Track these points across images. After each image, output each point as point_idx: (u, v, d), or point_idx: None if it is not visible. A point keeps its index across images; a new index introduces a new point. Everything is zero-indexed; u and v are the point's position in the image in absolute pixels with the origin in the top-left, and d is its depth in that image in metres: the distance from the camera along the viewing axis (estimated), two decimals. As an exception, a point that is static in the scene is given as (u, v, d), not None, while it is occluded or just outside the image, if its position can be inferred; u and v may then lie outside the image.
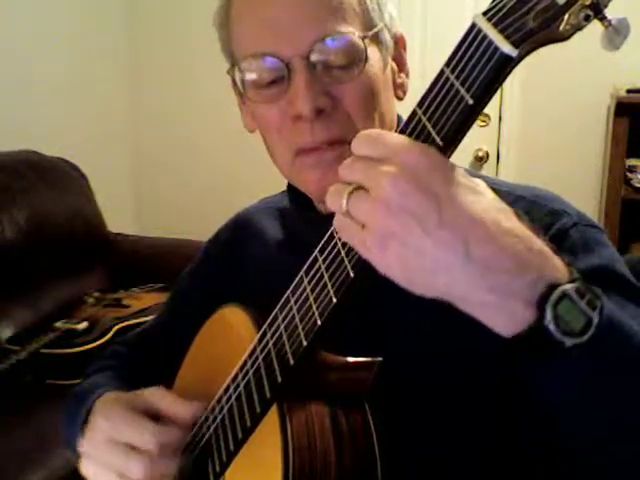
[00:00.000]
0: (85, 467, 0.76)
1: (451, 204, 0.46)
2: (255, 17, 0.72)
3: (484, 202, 0.48)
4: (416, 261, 0.47)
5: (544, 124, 2.74)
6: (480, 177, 0.78)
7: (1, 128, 2.45)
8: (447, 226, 0.46)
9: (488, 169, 2.81)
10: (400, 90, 0.80)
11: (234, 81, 0.82)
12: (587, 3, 0.43)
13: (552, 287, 0.47)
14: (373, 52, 0.73)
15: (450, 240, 0.46)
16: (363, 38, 0.71)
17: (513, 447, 0.68)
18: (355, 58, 0.71)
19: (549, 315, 0.46)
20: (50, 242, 2.31)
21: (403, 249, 0.47)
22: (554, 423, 0.55)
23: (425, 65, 2.44)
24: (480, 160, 2.80)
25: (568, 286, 0.47)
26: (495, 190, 0.74)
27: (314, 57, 0.69)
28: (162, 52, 3.14)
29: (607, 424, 0.52)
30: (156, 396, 0.76)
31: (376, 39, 0.74)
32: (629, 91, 2.46)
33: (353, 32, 0.71)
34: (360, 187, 0.49)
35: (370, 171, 0.48)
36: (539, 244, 0.48)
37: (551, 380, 0.51)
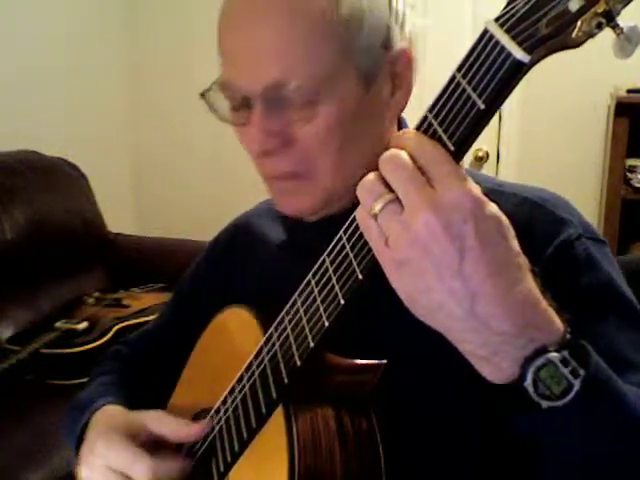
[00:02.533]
0: None
1: (473, 259, 0.46)
2: (222, 45, 0.72)
3: (506, 257, 0.48)
4: (422, 295, 0.49)
5: (544, 124, 2.74)
6: (481, 177, 0.79)
7: (1, 128, 2.45)
8: (461, 279, 0.47)
9: (488, 169, 2.81)
10: (393, 111, 0.75)
11: None
12: (600, 11, 0.43)
13: (539, 352, 0.49)
14: (342, 87, 0.69)
15: (460, 292, 0.47)
16: (321, 81, 0.67)
17: (511, 452, 0.68)
18: (308, 103, 0.68)
19: (529, 378, 0.48)
20: (50, 242, 2.31)
21: (415, 279, 0.48)
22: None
23: (424, 68, 2.43)
24: (480, 160, 2.80)
25: (554, 355, 0.48)
26: (499, 192, 0.74)
27: (269, 96, 0.68)
28: (162, 52, 3.13)
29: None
30: (155, 422, 0.76)
31: (349, 72, 0.69)
32: (629, 91, 2.46)
33: (306, 77, 0.67)
34: (397, 198, 0.49)
35: (412, 190, 0.48)
36: (543, 306, 0.49)
37: (528, 427, 0.53)
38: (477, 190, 0.48)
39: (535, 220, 0.71)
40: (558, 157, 2.73)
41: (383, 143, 0.74)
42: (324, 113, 0.69)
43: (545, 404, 0.49)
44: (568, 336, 0.50)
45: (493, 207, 0.48)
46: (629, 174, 2.53)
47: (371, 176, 0.51)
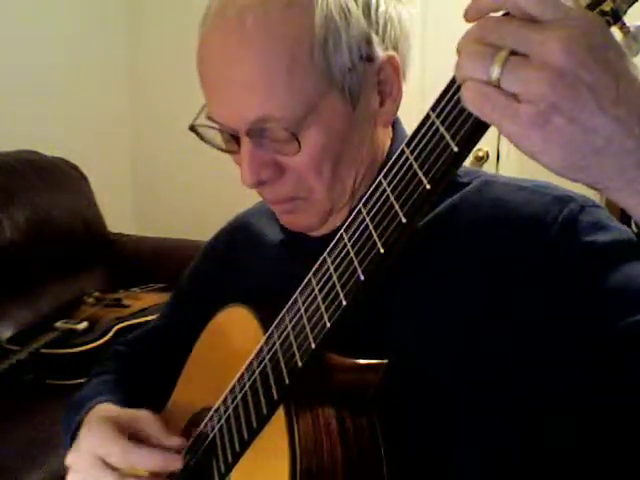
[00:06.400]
0: (69, 477, 0.79)
1: (628, 80, 0.42)
2: (202, 82, 0.72)
3: None
4: (584, 140, 0.43)
5: (544, 124, 2.74)
6: (478, 173, 0.79)
7: (1, 128, 2.45)
8: (625, 103, 0.42)
9: (488, 169, 2.81)
10: (384, 117, 0.74)
11: None
12: (606, 9, 0.43)
13: None
14: (327, 111, 0.69)
15: (627, 119, 0.42)
16: (305, 111, 0.67)
17: (518, 450, 0.68)
18: (294, 134, 0.67)
19: None
20: (50, 242, 2.31)
21: (570, 126, 0.42)
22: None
23: (425, 65, 2.43)
24: (480, 160, 2.80)
25: None
26: (493, 183, 0.74)
27: (255, 131, 0.68)
28: (162, 52, 3.13)
29: None
30: (143, 422, 0.77)
31: (333, 95, 0.69)
32: (629, 91, 2.46)
33: (289, 109, 0.66)
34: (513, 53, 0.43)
35: (532, 33, 0.42)
36: None
37: None
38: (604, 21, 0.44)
39: (534, 204, 0.70)
40: (558, 157, 2.72)
41: (377, 147, 0.76)
42: (312, 140, 0.68)
43: None
44: None
45: None
46: (629, 174, 2.53)
47: (471, 44, 0.45)
